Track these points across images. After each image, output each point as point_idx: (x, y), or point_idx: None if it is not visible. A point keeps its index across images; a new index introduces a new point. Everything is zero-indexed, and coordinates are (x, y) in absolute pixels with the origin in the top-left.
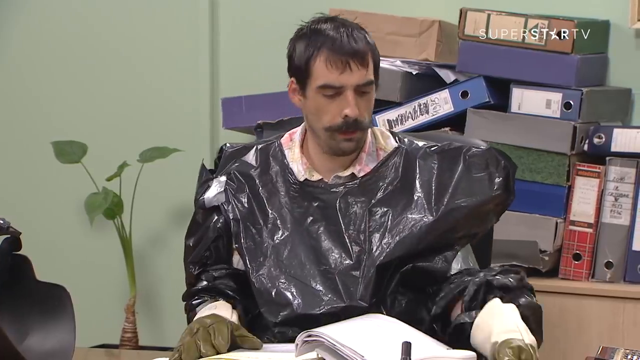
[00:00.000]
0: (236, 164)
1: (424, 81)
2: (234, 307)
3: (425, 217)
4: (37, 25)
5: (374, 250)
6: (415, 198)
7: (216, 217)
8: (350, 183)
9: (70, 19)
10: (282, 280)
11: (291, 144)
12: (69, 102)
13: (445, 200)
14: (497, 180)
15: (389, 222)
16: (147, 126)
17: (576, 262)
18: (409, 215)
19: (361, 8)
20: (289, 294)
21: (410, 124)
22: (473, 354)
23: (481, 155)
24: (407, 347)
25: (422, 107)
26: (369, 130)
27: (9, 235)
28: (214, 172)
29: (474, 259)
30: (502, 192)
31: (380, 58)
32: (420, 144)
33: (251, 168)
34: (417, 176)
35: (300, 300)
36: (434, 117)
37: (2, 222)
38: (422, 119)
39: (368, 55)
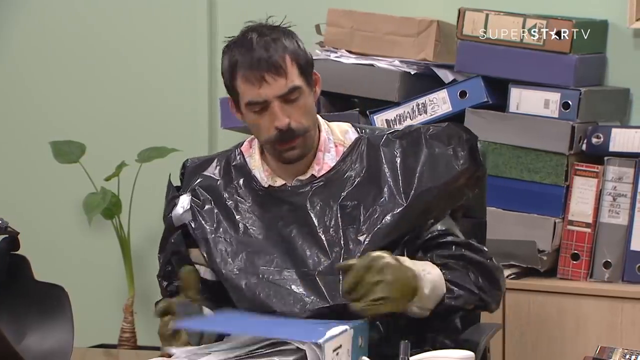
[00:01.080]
0: (199, 179)
1: (422, 81)
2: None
3: (397, 205)
4: (35, 25)
5: (351, 245)
6: (384, 187)
7: (175, 233)
8: (315, 182)
9: (68, 19)
10: (262, 288)
11: (251, 151)
12: (67, 102)
13: (414, 184)
14: (461, 154)
15: (362, 215)
16: (145, 126)
17: (574, 262)
18: (380, 206)
19: (360, 8)
20: (270, 301)
21: (408, 124)
22: (471, 353)
23: (442, 132)
24: (405, 347)
25: (420, 107)
26: (324, 128)
27: (7, 235)
28: (179, 189)
29: (457, 229)
30: (469, 165)
31: (379, 58)
32: (380, 131)
33: (214, 181)
34: (383, 164)
35: (283, 306)
36: (432, 117)
37: (0, 222)
38: (421, 119)
39: (286, 62)
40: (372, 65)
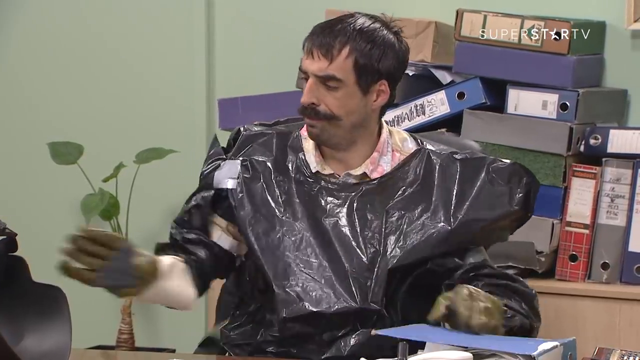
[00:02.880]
0: (252, 149)
1: (420, 82)
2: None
3: (442, 225)
4: (33, 26)
5: (389, 252)
6: (434, 204)
7: (208, 192)
8: (368, 182)
9: (66, 20)
10: (293, 276)
11: (307, 133)
12: (65, 103)
13: (464, 210)
14: (517, 196)
15: (405, 226)
16: (143, 127)
17: (572, 263)
18: (426, 221)
19: (357, 9)
20: (299, 290)
21: (406, 125)
22: (469, 355)
23: (505, 169)
24: (403, 348)
25: (418, 108)
26: (385, 131)
27: (5, 237)
28: (226, 151)
29: (490, 260)
30: (520, 208)
31: None
32: (442, 148)
33: (268, 156)
34: (437, 181)
35: (312, 297)
36: (430, 118)
37: None
38: (419, 120)
39: (339, 51)
40: None
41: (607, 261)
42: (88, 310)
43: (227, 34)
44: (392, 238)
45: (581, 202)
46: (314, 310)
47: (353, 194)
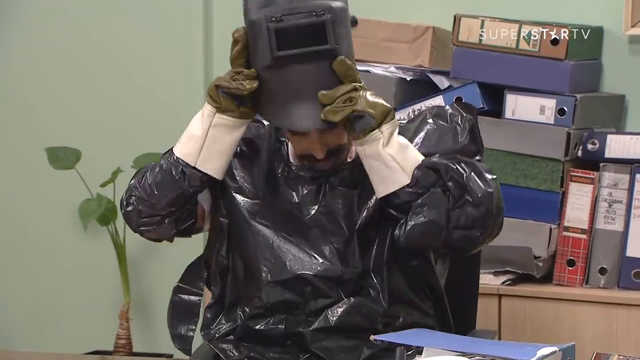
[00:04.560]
0: (253, 130)
1: (418, 87)
2: None
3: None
4: (30, 31)
5: (365, 220)
6: None
7: None
8: (343, 163)
9: (64, 24)
10: (279, 240)
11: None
12: (63, 108)
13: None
14: (462, 131)
15: (375, 197)
16: (141, 132)
17: (570, 268)
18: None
19: (355, 14)
20: (282, 254)
21: None
22: None
23: (445, 110)
24: (401, 352)
25: (416, 113)
26: None
27: None
28: None
29: None
30: (469, 141)
31: (375, 64)
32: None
33: (261, 134)
34: None
35: (294, 260)
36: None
37: None
38: None
39: None
40: (368, 71)
41: (604, 266)
42: (86, 316)
43: (224, 39)
44: (362, 204)
45: (579, 207)
46: (298, 273)
47: (327, 175)
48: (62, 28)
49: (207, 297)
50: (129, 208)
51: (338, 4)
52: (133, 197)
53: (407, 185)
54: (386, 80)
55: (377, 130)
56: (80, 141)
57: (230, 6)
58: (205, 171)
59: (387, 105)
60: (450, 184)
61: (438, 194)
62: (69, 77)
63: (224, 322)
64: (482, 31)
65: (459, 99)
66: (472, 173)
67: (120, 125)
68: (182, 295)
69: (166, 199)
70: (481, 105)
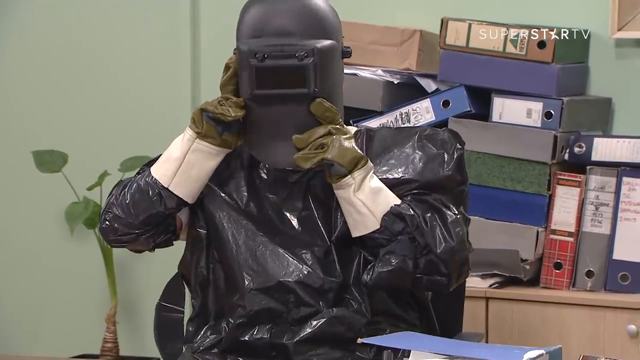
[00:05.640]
0: None
1: (406, 90)
2: None
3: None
4: (17, 35)
5: (336, 225)
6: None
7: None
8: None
9: (50, 28)
10: (261, 247)
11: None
12: (49, 111)
13: (401, 175)
14: (449, 161)
15: None
16: (128, 135)
17: (557, 271)
18: None
19: (342, 17)
20: (264, 261)
21: None
22: None
23: (435, 135)
24: (388, 355)
25: (403, 116)
26: None
27: None
28: None
29: None
30: (453, 172)
31: (362, 67)
32: (379, 128)
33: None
34: (375, 149)
35: (276, 268)
36: (415, 125)
37: None
38: None
39: None
40: (355, 74)
41: (591, 269)
42: (72, 319)
43: (212, 41)
44: (339, 211)
45: (565, 210)
46: (279, 280)
47: (304, 179)
48: (49, 32)
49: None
50: (104, 225)
51: (325, 43)
52: (109, 214)
53: (377, 230)
54: (373, 83)
55: (348, 177)
56: (67, 144)
57: (218, 10)
58: (177, 194)
59: (358, 152)
60: (415, 233)
61: (405, 241)
62: (56, 80)
63: (208, 334)
64: (469, 35)
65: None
66: (438, 225)
67: (107, 129)
68: (166, 314)
69: (142, 217)
70: (468, 109)
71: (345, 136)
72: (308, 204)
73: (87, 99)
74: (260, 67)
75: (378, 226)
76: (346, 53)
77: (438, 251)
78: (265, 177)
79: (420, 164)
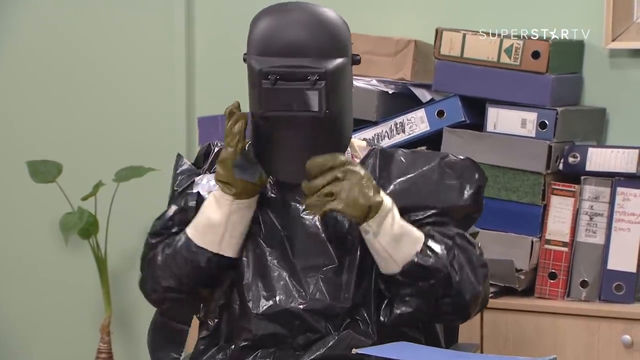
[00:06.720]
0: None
1: (400, 100)
2: None
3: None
4: (10, 44)
5: (356, 250)
6: (392, 192)
7: (191, 199)
8: None
9: (45, 38)
10: (271, 271)
11: None
12: (44, 121)
13: (415, 201)
14: (467, 191)
15: None
16: (122, 145)
17: (552, 281)
18: None
19: None
20: (272, 286)
21: (386, 143)
22: None
23: (457, 163)
24: None
25: (398, 126)
26: None
27: None
28: (197, 166)
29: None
30: (470, 203)
31: (357, 77)
32: (397, 148)
33: None
34: (395, 173)
35: (283, 294)
36: (410, 136)
37: None
38: (399, 138)
39: None
40: None
41: (586, 279)
42: (67, 329)
43: (207, 52)
44: (356, 234)
45: (560, 220)
46: (286, 307)
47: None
48: (43, 42)
49: (195, 324)
50: (154, 297)
51: (337, 62)
52: (166, 294)
53: (398, 273)
54: (368, 93)
55: (364, 224)
56: (62, 154)
57: (213, 20)
58: (228, 255)
59: (369, 201)
60: (441, 283)
61: (427, 287)
62: (50, 90)
63: (215, 354)
64: (463, 45)
65: (470, 159)
66: (467, 270)
67: (101, 139)
68: (168, 320)
69: (194, 284)
70: (463, 119)
71: (354, 179)
72: (315, 223)
73: (81, 109)
74: (272, 89)
75: (399, 270)
76: (356, 61)
77: (467, 297)
78: (274, 196)
79: (440, 190)
